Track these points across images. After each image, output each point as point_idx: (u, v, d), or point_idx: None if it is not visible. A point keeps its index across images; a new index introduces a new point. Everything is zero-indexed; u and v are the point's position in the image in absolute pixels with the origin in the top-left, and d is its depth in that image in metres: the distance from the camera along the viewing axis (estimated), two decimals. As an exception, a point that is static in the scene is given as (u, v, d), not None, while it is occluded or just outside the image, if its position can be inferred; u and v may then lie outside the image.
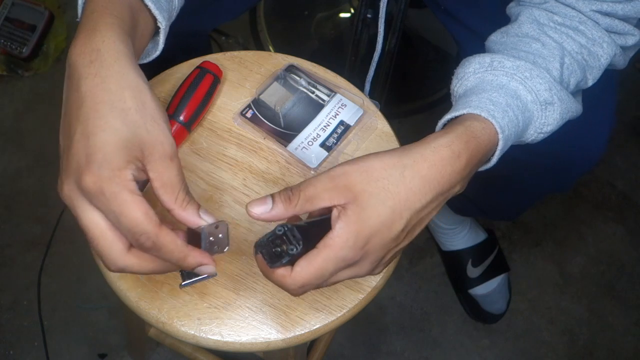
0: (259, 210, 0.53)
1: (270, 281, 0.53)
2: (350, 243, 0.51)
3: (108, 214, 0.48)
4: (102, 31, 0.52)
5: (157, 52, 0.63)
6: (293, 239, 0.51)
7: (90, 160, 0.48)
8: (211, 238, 0.53)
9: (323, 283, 0.53)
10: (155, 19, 0.60)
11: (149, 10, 0.58)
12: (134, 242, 0.49)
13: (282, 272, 0.52)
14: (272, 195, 0.53)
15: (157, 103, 0.52)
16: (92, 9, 0.54)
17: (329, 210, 0.53)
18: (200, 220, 0.53)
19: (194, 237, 0.53)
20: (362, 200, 0.52)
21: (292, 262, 0.51)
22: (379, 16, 0.87)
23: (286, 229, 0.51)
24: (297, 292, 0.53)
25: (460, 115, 0.58)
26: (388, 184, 0.52)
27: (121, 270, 0.50)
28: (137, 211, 0.48)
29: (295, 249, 0.51)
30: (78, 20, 0.57)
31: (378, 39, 0.89)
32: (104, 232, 0.49)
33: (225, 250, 0.53)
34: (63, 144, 0.51)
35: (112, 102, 0.49)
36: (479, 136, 0.56)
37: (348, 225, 0.51)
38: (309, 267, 0.51)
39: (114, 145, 0.48)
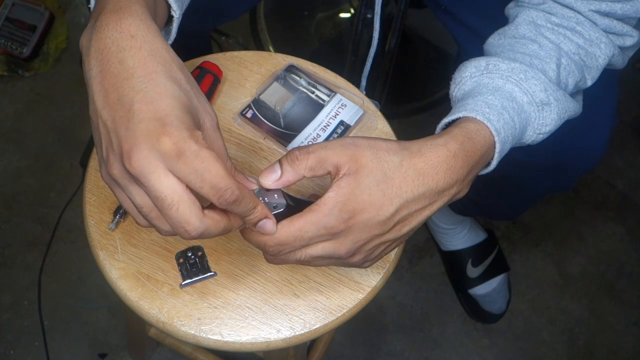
0: (270, 179, 0.54)
1: (247, 238, 0.55)
2: (335, 212, 0.52)
3: (189, 174, 0.47)
4: (138, 12, 0.51)
5: (169, 42, 0.63)
6: (278, 198, 0.53)
7: (165, 122, 0.47)
8: (266, 199, 0.54)
9: (301, 253, 0.54)
10: (168, 9, 0.60)
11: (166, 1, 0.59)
12: (217, 198, 0.48)
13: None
14: (280, 161, 0.54)
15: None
16: None
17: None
18: (251, 183, 0.54)
19: None
20: (360, 174, 0.53)
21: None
22: (375, 12, 0.87)
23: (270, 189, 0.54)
24: (274, 249, 0.54)
25: (457, 119, 0.59)
26: (387, 168, 0.53)
27: (199, 235, 0.49)
28: (220, 166, 0.48)
29: (277, 207, 0.53)
30: (91, 5, 0.56)
31: (374, 35, 0.89)
32: (182, 196, 0.47)
33: (283, 208, 0.54)
34: (112, 117, 0.49)
35: (164, 72, 0.49)
36: (474, 137, 0.57)
37: (337, 196, 0.52)
38: (289, 226, 0.53)
39: (181, 109, 0.48)
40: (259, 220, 0.52)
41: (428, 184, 0.54)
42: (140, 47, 0.50)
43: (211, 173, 0.47)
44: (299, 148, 0.54)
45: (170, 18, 0.61)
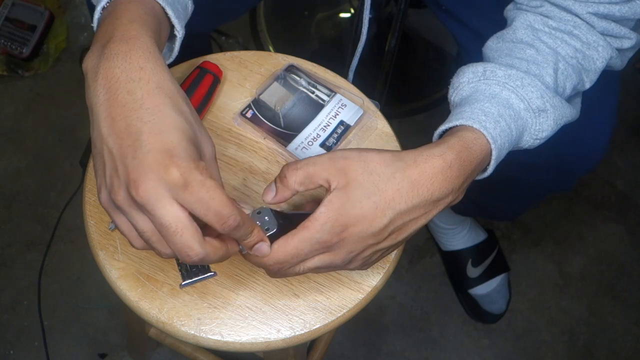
0: (269, 197, 0.57)
1: (248, 260, 0.57)
2: (327, 227, 0.54)
3: (194, 203, 0.49)
4: (147, 42, 0.53)
5: (171, 59, 0.65)
6: (269, 220, 0.55)
7: (172, 154, 0.49)
8: (258, 222, 0.56)
9: (298, 267, 0.56)
10: (171, 27, 0.61)
11: (169, 19, 0.60)
12: (220, 225, 0.50)
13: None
14: (275, 180, 0.57)
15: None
16: (129, 19, 0.55)
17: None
18: (243, 209, 0.55)
19: None
20: (350, 188, 0.54)
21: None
22: (365, 7, 0.87)
23: (263, 212, 0.56)
24: (274, 268, 0.56)
25: (454, 126, 0.60)
26: (379, 180, 0.54)
27: (201, 260, 0.52)
28: (223, 195, 0.50)
29: (269, 229, 0.55)
30: (93, 24, 0.58)
31: (362, 31, 0.88)
32: (186, 224, 0.50)
33: (274, 229, 0.56)
34: (118, 145, 0.50)
35: (172, 105, 0.51)
36: (470, 146, 0.57)
37: (329, 211, 0.54)
38: (285, 245, 0.54)
39: (187, 140, 0.50)
40: (255, 244, 0.54)
41: (423, 195, 0.55)
42: (149, 79, 0.52)
43: (215, 201, 0.49)
44: (287, 165, 0.56)
45: (173, 34, 0.63)
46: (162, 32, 0.59)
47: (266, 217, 0.56)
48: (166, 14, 0.59)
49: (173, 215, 0.49)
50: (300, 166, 0.55)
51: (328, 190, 0.55)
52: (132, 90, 0.51)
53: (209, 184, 0.49)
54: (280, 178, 0.56)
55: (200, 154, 0.52)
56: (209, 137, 0.54)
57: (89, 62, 0.54)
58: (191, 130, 0.52)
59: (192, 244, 0.50)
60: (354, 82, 0.81)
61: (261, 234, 0.54)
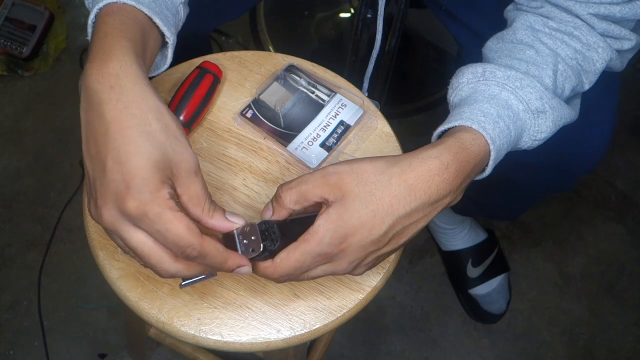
0: (267, 216, 0.58)
1: (255, 273, 0.58)
2: (327, 239, 0.54)
3: (153, 233, 0.51)
4: (119, 55, 0.53)
5: (166, 66, 0.65)
6: (273, 235, 0.56)
7: (129, 185, 0.50)
8: (245, 241, 0.56)
9: (302, 276, 0.57)
10: (163, 34, 0.61)
11: (157, 27, 0.60)
12: (181, 254, 0.52)
13: (263, 263, 0.56)
14: (272, 199, 0.58)
15: (177, 122, 0.54)
16: (105, 32, 0.54)
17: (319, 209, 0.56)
18: (230, 223, 0.56)
19: (229, 243, 0.56)
20: (347, 200, 0.54)
21: (272, 255, 0.56)
22: (378, 14, 0.87)
23: (267, 226, 0.56)
24: (279, 280, 0.57)
25: (453, 127, 0.60)
26: (375, 189, 0.54)
27: (173, 276, 0.54)
28: (180, 226, 0.51)
29: (273, 245, 0.55)
30: (88, 38, 0.58)
31: (377, 37, 0.89)
32: (152, 248, 0.52)
33: (260, 250, 0.56)
34: (92, 169, 0.52)
35: (138, 126, 0.51)
36: (468, 147, 0.57)
37: (327, 223, 0.54)
38: (287, 259, 0.55)
39: (148, 168, 0.50)
40: (232, 270, 0.55)
41: (421, 198, 0.55)
42: (118, 99, 0.51)
43: (172, 233, 0.50)
44: (282, 185, 0.57)
45: (165, 42, 0.63)
46: (150, 39, 0.59)
47: (252, 237, 0.56)
48: (154, 22, 0.59)
49: (138, 241, 0.51)
50: (294, 185, 0.56)
51: (326, 204, 0.55)
52: (101, 114, 0.51)
53: (166, 217, 0.50)
54: (276, 198, 0.57)
55: (170, 174, 0.52)
56: (187, 151, 0.53)
57: (80, 81, 0.55)
58: (158, 152, 0.51)
59: (161, 265, 0.53)
60: (353, 82, 0.81)
61: (237, 260, 0.55)
